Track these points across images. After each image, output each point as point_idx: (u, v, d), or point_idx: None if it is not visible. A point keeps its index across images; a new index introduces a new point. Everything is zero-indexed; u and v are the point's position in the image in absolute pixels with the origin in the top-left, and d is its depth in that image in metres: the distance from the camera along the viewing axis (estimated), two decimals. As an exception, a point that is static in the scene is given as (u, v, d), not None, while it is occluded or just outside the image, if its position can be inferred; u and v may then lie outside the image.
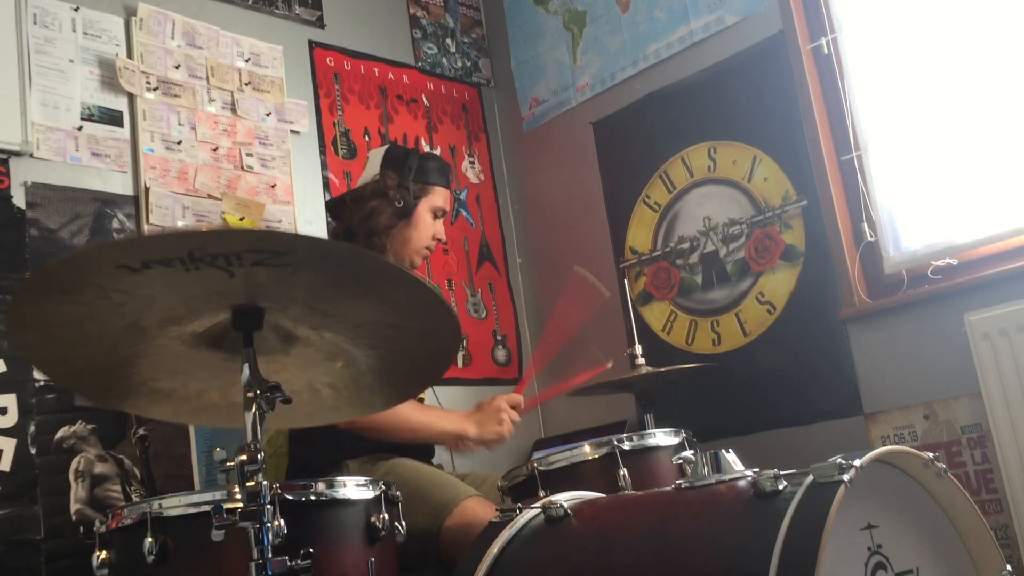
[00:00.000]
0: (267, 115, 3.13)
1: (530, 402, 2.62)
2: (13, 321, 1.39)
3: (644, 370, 2.60)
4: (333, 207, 2.75)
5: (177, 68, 2.93)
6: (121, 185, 2.75)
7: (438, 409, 2.50)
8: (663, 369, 2.59)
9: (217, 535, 1.40)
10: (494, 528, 1.63)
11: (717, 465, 1.51)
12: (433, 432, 2.41)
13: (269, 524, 1.37)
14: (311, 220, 3.17)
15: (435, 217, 2.63)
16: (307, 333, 1.53)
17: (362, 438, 2.38)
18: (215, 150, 2.96)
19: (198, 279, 1.35)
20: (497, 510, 1.69)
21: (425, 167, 2.61)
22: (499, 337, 3.68)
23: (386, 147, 2.69)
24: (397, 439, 2.35)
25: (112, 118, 2.77)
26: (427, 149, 3.61)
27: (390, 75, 3.60)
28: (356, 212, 2.55)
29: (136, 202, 2.76)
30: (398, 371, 1.63)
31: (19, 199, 2.54)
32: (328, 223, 3.18)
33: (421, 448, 2.52)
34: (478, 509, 2.14)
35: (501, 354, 3.66)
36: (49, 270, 1.38)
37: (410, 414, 2.34)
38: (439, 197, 2.63)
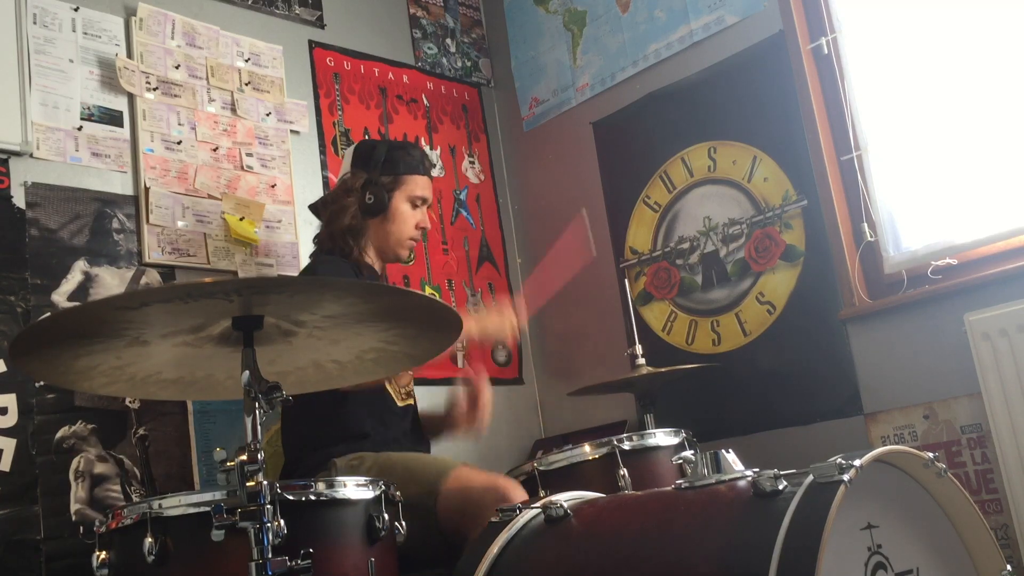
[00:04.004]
0: (267, 115, 3.13)
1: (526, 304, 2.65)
2: (16, 356, 1.44)
3: (644, 370, 2.60)
4: (314, 210, 2.74)
5: (177, 68, 2.93)
6: (121, 185, 2.75)
7: None
8: (663, 369, 2.59)
9: (217, 535, 1.41)
10: (494, 528, 1.63)
11: (717, 465, 1.51)
12: None
13: (269, 524, 1.37)
14: (311, 220, 3.16)
15: (414, 206, 2.62)
16: (309, 328, 1.55)
17: (351, 436, 2.38)
18: (215, 150, 2.96)
19: (198, 306, 1.39)
20: (497, 510, 1.70)
21: (395, 158, 2.60)
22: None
23: (355, 144, 2.69)
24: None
25: (112, 118, 2.77)
26: (427, 149, 3.61)
27: (390, 75, 3.60)
28: (331, 217, 2.59)
29: (136, 202, 2.76)
30: (400, 350, 1.66)
31: (19, 199, 2.53)
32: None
33: (415, 444, 2.52)
34: (471, 473, 2.16)
35: (501, 354, 3.66)
36: (46, 323, 1.42)
37: None
38: (415, 186, 2.61)
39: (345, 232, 2.55)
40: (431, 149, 3.64)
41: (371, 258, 2.61)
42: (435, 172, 3.61)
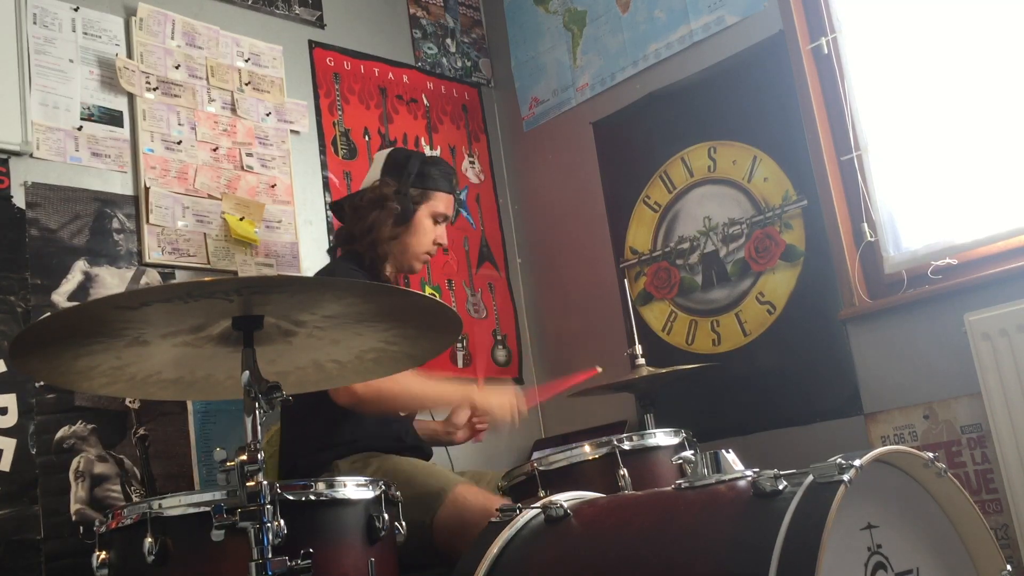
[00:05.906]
0: (267, 115, 3.13)
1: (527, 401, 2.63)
2: (16, 356, 1.44)
3: (644, 370, 2.60)
4: (336, 209, 2.77)
5: (177, 68, 2.93)
6: (121, 185, 2.75)
7: (441, 379, 2.53)
8: (663, 370, 2.59)
9: (217, 535, 1.41)
10: (494, 528, 1.63)
11: (717, 465, 1.51)
12: (438, 397, 2.45)
13: (269, 524, 1.37)
14: (311, 220, 3.17)
15: (436, 223, 2.65)
16: (309, 328, 1.55)
17: (353, 439, 2.38)
18: (215, 150, 2.96)
19: (198, 306, 1.39)
20: (497, 510, 1.69)
21: (426, 172, 2.62)
22: (499, 337, 3.68)
23: (389, 151, 2.70)
24: (400, 408, 2.37)
25: (112, 118, 2.77)
26: (427, 150, 3.62)
27: (390, 75, 3.60)
28: (356, 221, 2.57)
29: (136, 202, 2.76)
30: (400, 350, 1.66)
31: (19, 199, 2.53)
32: (329, 222, 3.19)
33: (416, 448, 2.52)
34: (469, 496, 2.17)
35: (501, 354, 3.66)
36: (46, 323, 1.42)
37: (412, 383, 2.35)
38: (440, 203, 2.65)
39: (383, 241, 2.55)
40: (431, 149, 3.64)
41: (388, 266, 2.62)
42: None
